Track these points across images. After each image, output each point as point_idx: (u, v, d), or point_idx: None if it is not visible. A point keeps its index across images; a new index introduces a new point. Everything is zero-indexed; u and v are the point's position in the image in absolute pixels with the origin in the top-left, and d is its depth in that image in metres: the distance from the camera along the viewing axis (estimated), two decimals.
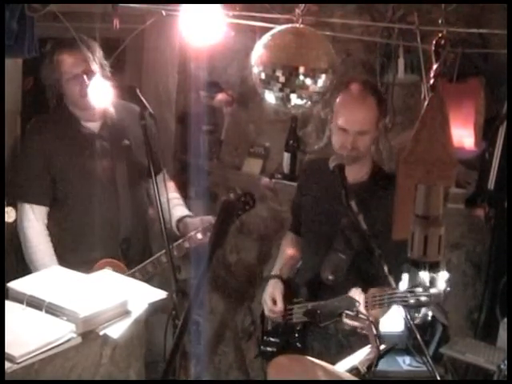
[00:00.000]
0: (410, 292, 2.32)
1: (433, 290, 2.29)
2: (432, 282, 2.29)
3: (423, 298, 2.30)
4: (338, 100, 2.67)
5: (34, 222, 2.92)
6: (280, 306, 2.79)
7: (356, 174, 2.71)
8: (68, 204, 2.96)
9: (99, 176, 2.96)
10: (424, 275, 2.27)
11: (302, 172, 3.05)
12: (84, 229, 2.97)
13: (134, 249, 3.05)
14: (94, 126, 2.98)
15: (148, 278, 2.89)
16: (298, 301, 2.79)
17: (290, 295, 2.82)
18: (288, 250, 3.00)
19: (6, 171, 2.89)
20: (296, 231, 3.01)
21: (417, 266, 1.81)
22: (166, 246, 2.53)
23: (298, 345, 2.76)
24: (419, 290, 2.30)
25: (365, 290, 2.54)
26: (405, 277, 2.36)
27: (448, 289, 2.30)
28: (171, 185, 3.20)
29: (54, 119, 2.97)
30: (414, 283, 2.32)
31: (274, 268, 2.95)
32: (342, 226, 2.62)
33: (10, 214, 2.44)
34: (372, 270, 2.57)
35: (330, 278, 2.65)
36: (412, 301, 2.32)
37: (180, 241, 2.97)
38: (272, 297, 2.81)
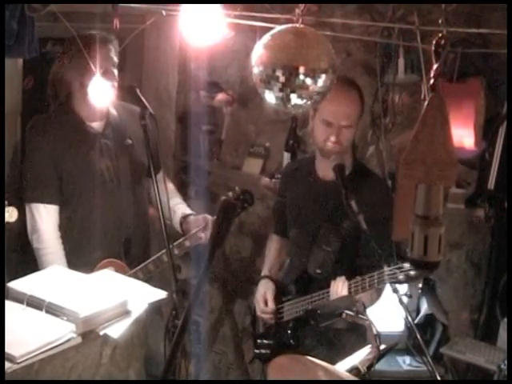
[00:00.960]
0: (399, 268, 2.36)
1: None
2: None
3: (412, 273, 2.33)
4: None
5: (47, 223, 2.91)
6: (271, 306, 2.83)
7: None
8: (72, 204, 2.96)
9: (103, 175, 2.97)
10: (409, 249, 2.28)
11: (282, 176, 3.09)
12: (87, 229, 2.97)
13: (136, 248, 3.06)
14: (97, 125, 2.99)
15: (148, 278, 2.90)
16: (287, 299, 2.82)
17: (280, 294, 2.86)
18: (274, 251, 3.04)
19: (7, 170, 2.89)
20: (279, 233, 3.05)
21: (417, 266, 1.81)
22: (167, 245, 2.55)
23: (292, 342, 2.78)
24: (407, 264, 2.33)
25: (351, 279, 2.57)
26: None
27: None
28: (171, 184, 3.21)
29: (58, 119, 2.96)
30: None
31: (263, 269, 3.00)
32: (327, 219, 2.68)
33: (12, 214, 2.42)
34: (359, 260, 2.64)
35: (318, 271, 2.69)
36: (401, 276, 2.36)
37: (181, 239, 2.98)
38: (264, 297, 2.85)
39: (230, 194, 2.92)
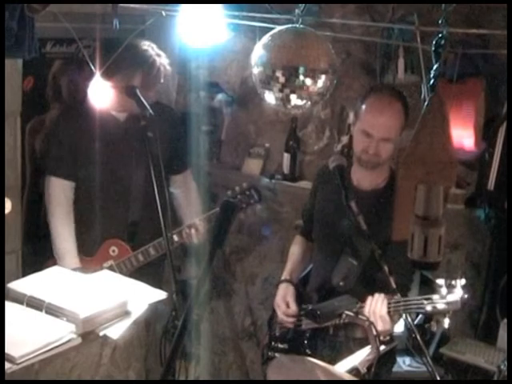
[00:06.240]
0: (427, 299, 2.29)
1: (450, 297, 2.26)
2: (449, 289, 2.28)
3: (440, 306, 2.27)
4: (364, 104, 2.60)
5: (57, 195, 3.07)
6: (294, 308, 2.75)
7: (373, 180, 2.69)
8: (85, 184, 3.09)
9: (117, 161, 3.09)
10: (440, 281, 2.26)
11: (315, 177, 2.97)
12: (96, 208, 3.08)
13: (143, 233, 3.13)
14: (120, 115, 3.10)
15: (148, 277, 2.91)
16: (306, 306, 2.72)
17: (299, 300, 2.79)
18: (298, 255, 2.96)
19: None
20: (306, 235, 2.99)
21: (416, 266, 1.81)
22: (165, 234, 2.59)
23: (307, 351, 2.71)
24: (436, 297, 2.27)
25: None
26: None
27: (465, 296, 2.28)
28: (193, 188, 3.36)
29: (86, 105, 3.01)
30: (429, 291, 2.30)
31: (284, 272, 2.91)
32: (350, 230, 2.56)
33: (6, 205, 2.46)
34: (382, 277, 2.47)
35: (341, 284, 2.59)
36: (429, 308, 2.28)
37: (182, 227, 3.06)
38: (285, 300, 2.77)
39: (237, 188, 2.95)
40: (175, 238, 3.03)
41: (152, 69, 3.00)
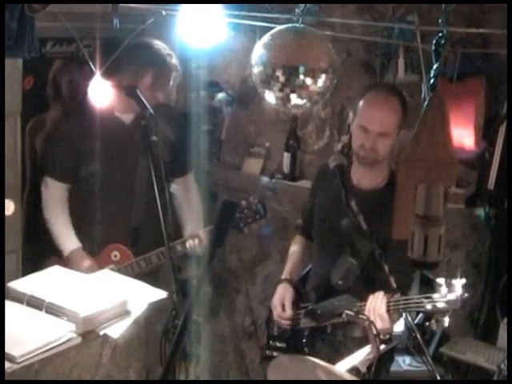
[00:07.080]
0: (427, 298, 2.30)
1: (450, 296, 2.27)
2: (449, 288, 2.28)
3: (440, 304, 2.27)
4: (362, 100, 2.62)
5: (53, 196, 3.09)
6: (289, 312, 2.75)
7: (372, 179, 2.68)
8: (87, 186, 3.07)
9: (120, 164, 3.07)
10: (440, 281, 2.26)
11: (315, 176, 2.97)
12: (97, 212, 3.08)
13: (145, 239, 3.12)
14: (125, 117, 3.08)
15: (148, 276, 2.91)
16: (305, 306, 2.73)
17: (298, 299, 2.79)
18: (298, 254, 2.96)
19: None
20: (305, 235, 2.98)
21: (416, 265, 1.81)
22: (166, 243, 2.57)
23: (306, 350, 2.71)
24: (436, 295, 2.28)
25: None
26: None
27: (465, 294, 2.28)
28: (194, 191, 3.34)
29: (86, 107, 2.99)
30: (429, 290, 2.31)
31: (284, 271, 2.90)
32: (349, 229, 2.56)
33: (8, 206, 2.47)
34: (381, 276, 2.48)
35: (340, 283, 2.59)
36: (429, 307, 2.29)
37: (184, 238, 3.06)
38: (281, 302, 2.77)
39: (244, 202, 2.95)
40: (178, 247, 3.02)
41: (163, 69, 2.98)
